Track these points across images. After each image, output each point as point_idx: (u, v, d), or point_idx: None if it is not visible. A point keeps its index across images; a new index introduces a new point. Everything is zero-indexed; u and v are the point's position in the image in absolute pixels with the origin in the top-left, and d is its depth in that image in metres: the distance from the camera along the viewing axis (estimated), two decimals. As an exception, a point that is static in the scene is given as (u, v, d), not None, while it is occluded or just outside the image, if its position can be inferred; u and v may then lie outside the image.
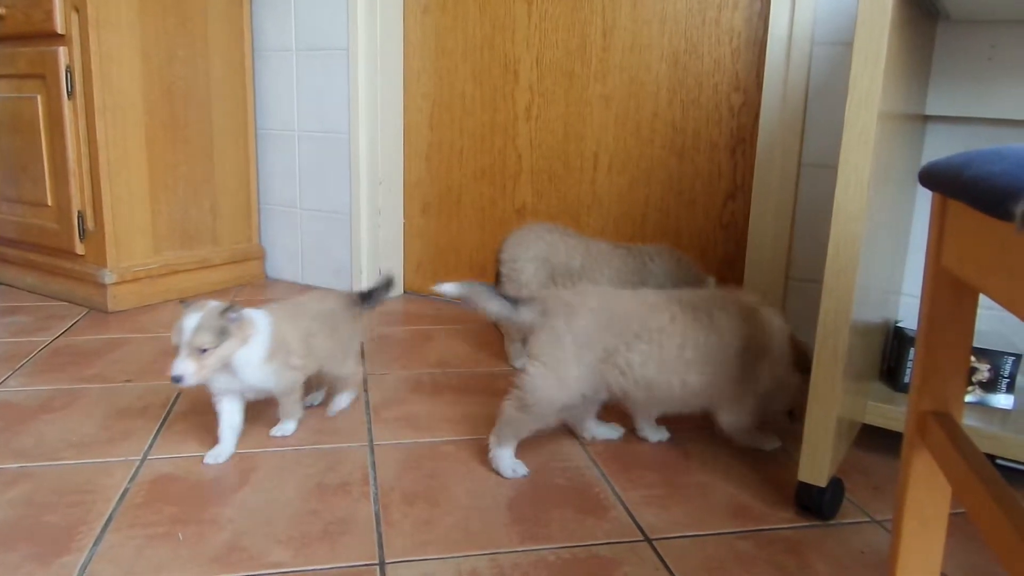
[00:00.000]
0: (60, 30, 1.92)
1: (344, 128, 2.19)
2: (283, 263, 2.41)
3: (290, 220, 2.37)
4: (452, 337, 1.88)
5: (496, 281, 1.70)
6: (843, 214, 1.01)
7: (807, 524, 1.08)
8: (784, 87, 1.56)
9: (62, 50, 1.93)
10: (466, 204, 2.15)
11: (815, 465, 1.07)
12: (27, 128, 2.05)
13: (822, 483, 1.07)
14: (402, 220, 2.27)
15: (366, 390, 1.52)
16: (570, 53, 1.91)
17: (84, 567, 0.92)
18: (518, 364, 1.67)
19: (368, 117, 2.15)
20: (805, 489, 1.09)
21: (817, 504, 1.08)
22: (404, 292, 2.31)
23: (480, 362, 1.71)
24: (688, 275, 1.52)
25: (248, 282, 2.37)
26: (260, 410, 1.40)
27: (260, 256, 2.41)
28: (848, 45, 1.48)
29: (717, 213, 1.78)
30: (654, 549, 0.99)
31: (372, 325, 1.95)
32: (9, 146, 2.12)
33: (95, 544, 0.97)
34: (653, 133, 1.83)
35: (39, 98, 2.01)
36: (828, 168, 1.54)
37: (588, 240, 1.60)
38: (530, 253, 1.58)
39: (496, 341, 1.82)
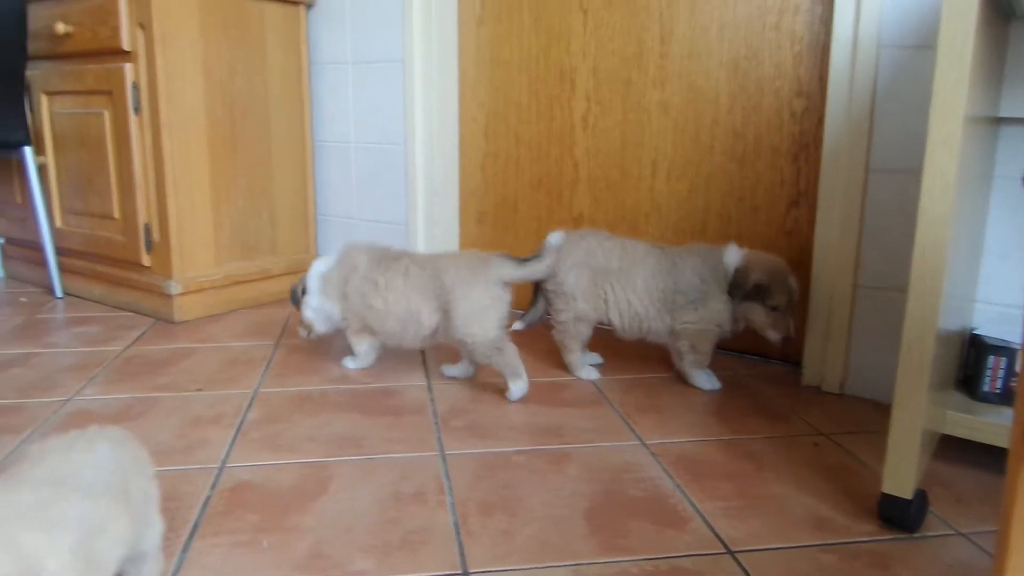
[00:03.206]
0: (126, 47, 1.97)
1: (400, 139, 2.21)
2: (339, 273, 2.44)
3: (346, 230, 2.39)
4: (511, 346, 1.88)
5: (535, 298, 1.73)
6: (928, 219, 0.99)
7: (892, 537, 1.05)
8: (850, 91, 1.53)
9: (128, 66, 1.98)
10: (522, 213, 2.16)
11: (900, 476, 1.04)
12: (95, 143, 2.11)
13: (907, 495, 1.05)
14: (458, 230, 2.28)
15: (432, 399, 1.53)
16: (627, 61, 1.91)
17: (175, 574, 0.94)
18: (583, 375, 1.67)
19: (424, 128, 2.17)
20: (889, 501, 1.06)
21: (902, 516, 1.06)
22: (459, 301, 2.32)
23: (541, 372, 1.70)
24: (716, 270, 1.55)
25: (305, 292, 2.40)
26: (328, 412, 1.42)
27: (316, 266, 2.44)
28: (917, 48, 1.46)
29: (780, 220, 1.76)
30: (737, 562, 0.98)
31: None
32: (77, 160, 2.19)
33: (183, 551, 0.99)
34: (713, 140, 1.82)
35: (106, 113, 2.06)
36: (897, 173, 1.51)
37: (624, 241, 1.63)
38: (569, 262, 1.61)
39: (555, 352, 1.81)
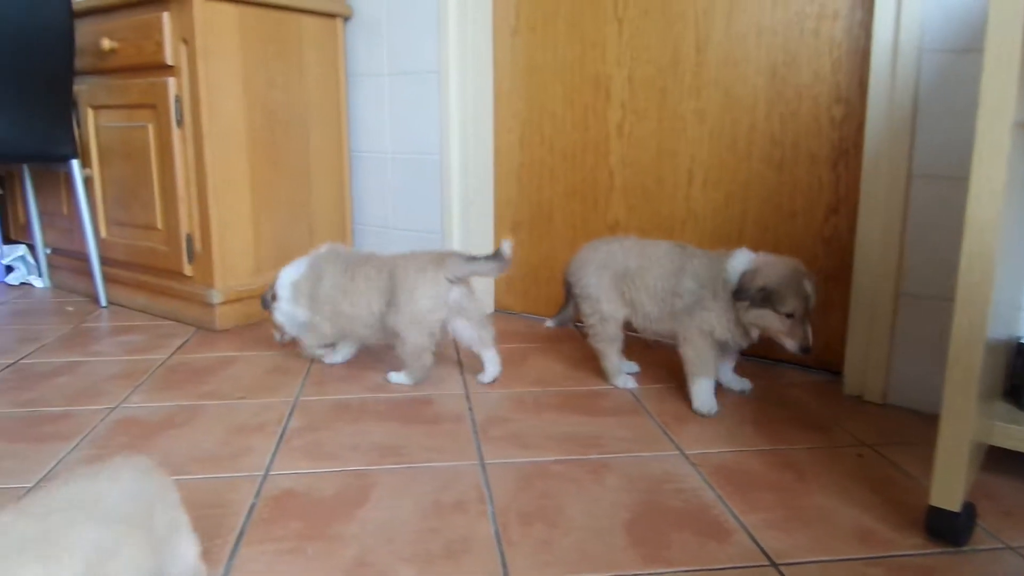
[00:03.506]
0: (170, 61, 2.02)
1: (435, 149, 2.23)
2: (375, 281, 2.47)
3: (383, 240, 2.42)
4: (547, 356, 1.89)
5: (566, 302, 1.78)
6: (975, 226, 0.97)
7: (939, 551, 1.04)
8: (891, 97, 1.52)
9: (171, 80, 2.02)
10: (557, 222, 2.16)
11: (948, 489, 1.03)
12: (139, 155, 2.16)
13: (955, 508, 1.03)
14: (493, 239, 2.29)
15: (470, 408, 1.54)
16: (662, 69, 1.91)
17: (223, 580, 0.96)
18: (619, 383, 1.67)
19: (459, 138, 2.19)
20: (937, 514, 1.05)
21: (950, 530, 1.04)
22: (495, 310, 2.33)
23: (578, 381, 1.71)
24: (715, 276, 1.50)
25: (342, 300, 2.43)
26: (368, 420, 1.43)
27: (353, 275, 2.46)
28: (960, 52, 1.44)
29: (818, 227, 1.74)
30: (781, 574, 0.97)
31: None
32: (121, 173, 2.24)
33: (230, 559, 1.01)
34: (750, 147, 1.81)
35: (150, 127, 2.11)
36: (941, 179, 1.49)
37: (647, 242, 1.63)
38: (591, 267, 1.64)
39: (591, 359, 1.81)
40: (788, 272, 1.42)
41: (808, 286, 1.42)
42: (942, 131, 1.48)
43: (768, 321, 1.43)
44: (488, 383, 1.68)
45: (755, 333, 1.49)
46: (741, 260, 1.48)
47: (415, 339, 1.61)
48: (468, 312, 1.64)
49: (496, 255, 1.61)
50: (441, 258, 1.62)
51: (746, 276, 1.44)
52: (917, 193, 1.52)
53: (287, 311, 1.73)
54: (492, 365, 1.69)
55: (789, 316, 1.41)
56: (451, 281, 1.61)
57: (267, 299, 1.77)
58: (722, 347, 1.55)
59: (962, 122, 1.45)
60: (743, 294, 1.43)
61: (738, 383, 1.65)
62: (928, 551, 1.03)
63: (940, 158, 1.48)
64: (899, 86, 1.50)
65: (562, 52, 2.06)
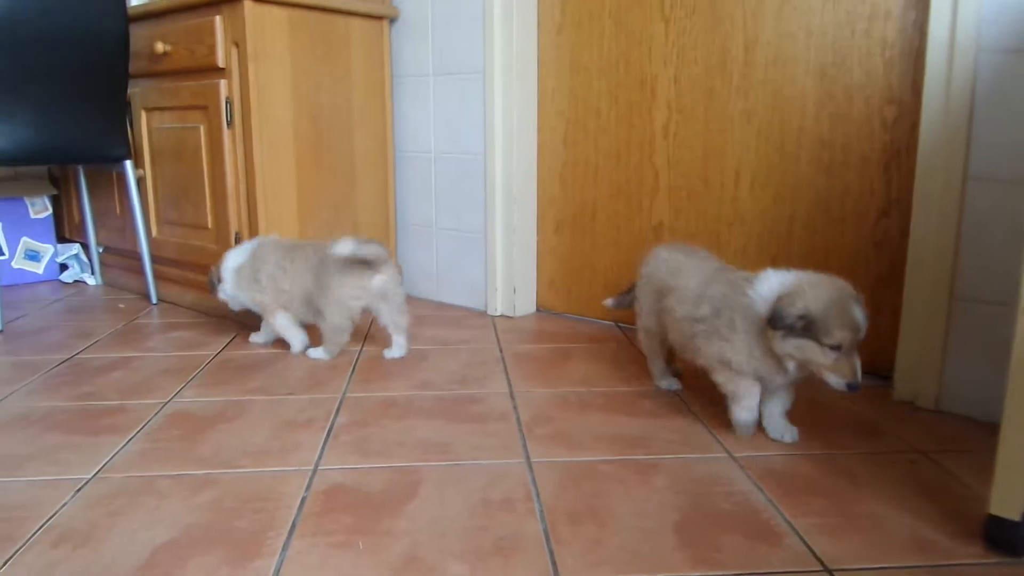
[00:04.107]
0: (221, 64, 2.06)
1: (479, 149, 2.24)
2: (419, 281, 2.49)
3: (426, 239, 2.44)
4: (590, 356, 1.89)
5: (631, 287, 1.74)
6: (1041, 231, 0.95)
7: (998, 561, 1.01)
8: (946, 97, 1.49)
9: (223, 83, 2.06)
10: (601, 222, 2.16)
11: (1009, 497, 1.00)
12: (190, 156, 2.21)
13: (1016, 516, 1.00)
14: (535, 238, 2.29)
15: (515, 406, 1.55)
16: (710, 70, 1.89)
17: (277, 571, 0.98)
18: (663, 385, 1.66)
19: (503, 138, 2.19)
20: (996, 523, 1.02)
21: (1010, 539, 1.01)
22: (537, 310, 2.33)
23: (623, 381, 1.70)
24: (734, 303, 1.35)
25: (385, 299, 2.45)
26: (414, 417, 1.44)
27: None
28: (1018, 52, 1.40)
29: (869, 231, 1.71)
30: (835, 580, 0.96)
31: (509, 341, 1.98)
32: (173, 173, 2.29)
33: (283, 550, 1.02)
34: (799, 148, 1.78)
35: (201, 128, 2.16)
36: (998, 182, 1.45)
37: (694, 257, 1.55)
38: (644, 275, 1.64)
39: (636, 361, 1.80)
40: (835, 296, 1.23)
41: (858, 313, 1.23)
42: (999, 132, 1.44)
43: (809, 353, 1.24)
44: (388, 359, 1.86)
45: (792, 366, 1.29)
46: (770, 283, 1.30)
47: (336, 319, 1.81)
48: (390, 298, 1.83)
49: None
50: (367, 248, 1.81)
51: (784, 299, 1.24)
52: (972, 195, 1.49)
53: (229, 293, 1.93)
54: (398, 348, 1.88)
55: (834, 348, 1.22)
56: (374, 270, 1.79)
57: (213, 281, 1.96)
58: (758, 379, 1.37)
59: (1020, 123, 1.42)
60: (780, 321, 1.24)
61: (781, 430, 1.40)
62: (987, 561, 1.01)
63: (997, 160, 1.45)
64: (955, 86, 1.47)
65: (607, 50, 2.06)
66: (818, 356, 1.23)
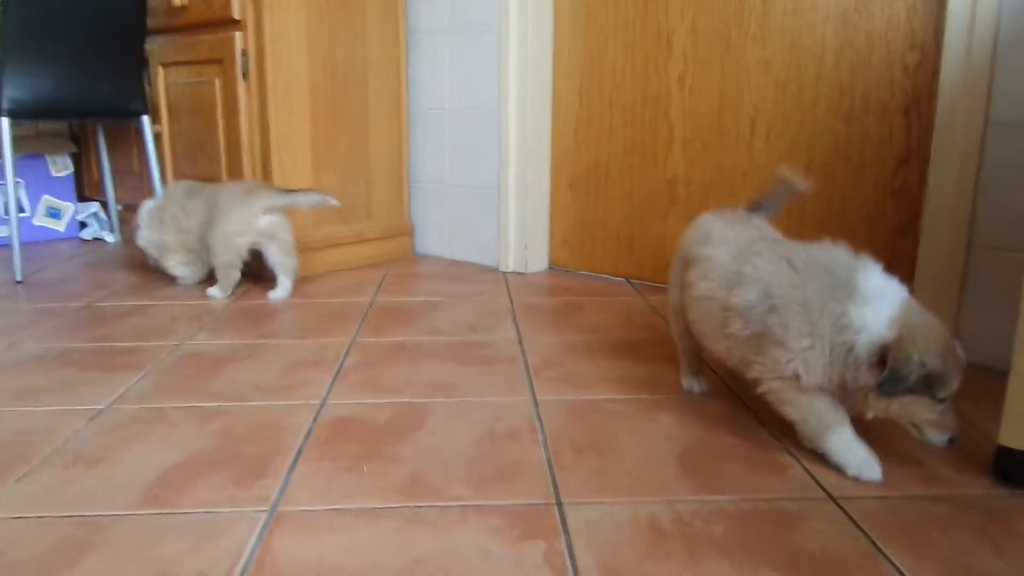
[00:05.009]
0: (237, 16, 2.06)
1: (493, 106, 2.23)
2: (431, 239, 2.49)
3: (439, 196, 2.44)
4: (601, 308, 1.88)
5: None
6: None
7: (1007, 492, 1.00)
8: (968, 42, 1.45)
9: (238, 35, 2.07)
10: (614, 177, 2.14)
11: (1019, 428, 0.99)
12: (206, 110, 2.22)
13: (1026, 448, 0.99)
14: (549, 194, 2.28)
15: (523, 351, 1.54)
16: (727, 20, 1.86)
17: (282, 490, 0.99)
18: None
19: (518, 95, 2.18)
20: (1007, 454, 1.01)
21: (1019, 470, 1.00)
22: (549, 267, 2.33)
23: (632, 329, 1.69)
24: (812, 307, 1.03)
25: (399, 257, 2.46)
26: (423, 360, 1.45)
27: (410, 232, 2.49)
28: (1047, -10, 1.36)
29: (888, 180, 1.69)
30: (840, 507, 0.95)
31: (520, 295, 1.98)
32: (190, 127, 2.30)
33: (289, 472, 1.04)
34: (817, 96, 1.75)
35: (217, 81, 2.16)
36: (1020, 127, 1.42)
37: (724, 224, 1.23)
38: (681, 244, 1.31)
39: (647, 312, 1.79)
40: (945, 341, 0.99)
41: (963, 355, 1.00)
42: (1022, 78, 1.41)
43: (917, 410, 0.99)
44: (273, 300, 1.93)
45: (870, 413, 1.03)
46: (881, 313, 0.99)
47: (224, 256, 1.90)
48: (279, 240, 1.92)
49: (312, 190, 1.96)
50: (256, 189, 1.90)
51: (902, 354, 0.95)
52: (994, 141, 1.45)
53: (145, 236, 2.03)
54: (283, 289, 1.95)
55: (942, 401, 0.99)
56: (262, 210, 1.87)
57: (133, 230, 2.08)
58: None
59: (1045, 64, 1.38)
60: (898, 382, 0.96)
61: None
62: (995, 491, 1.00)
63: (1019, 104, 1.42)
64: (977, 32, 1.44)
65: (623, 4, 2.03)
66: (926, 413, 0.99)
